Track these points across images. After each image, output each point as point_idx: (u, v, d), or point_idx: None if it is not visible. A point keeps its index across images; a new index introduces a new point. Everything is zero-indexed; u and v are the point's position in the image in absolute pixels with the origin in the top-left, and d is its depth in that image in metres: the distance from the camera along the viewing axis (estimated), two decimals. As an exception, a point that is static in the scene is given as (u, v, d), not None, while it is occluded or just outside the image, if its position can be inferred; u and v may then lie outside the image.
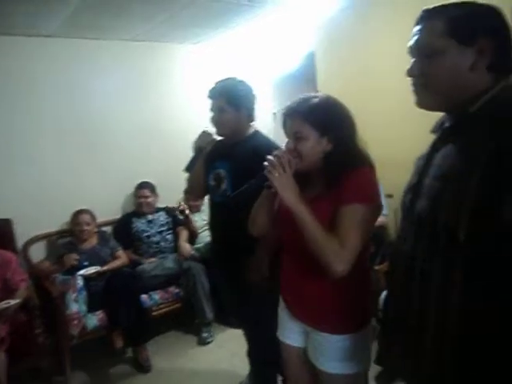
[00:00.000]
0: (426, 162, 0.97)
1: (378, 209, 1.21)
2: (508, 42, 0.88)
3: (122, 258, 3.10)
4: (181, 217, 3.43)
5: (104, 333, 2.76)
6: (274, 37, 3.70)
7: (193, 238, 3.45)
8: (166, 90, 3.72)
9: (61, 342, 2.64)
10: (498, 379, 0.79)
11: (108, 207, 3.39)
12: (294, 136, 1.24)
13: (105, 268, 2.91)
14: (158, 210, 3.45)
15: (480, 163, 0.79)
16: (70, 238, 3.10)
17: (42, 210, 3.10)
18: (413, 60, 0.95)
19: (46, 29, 2.92)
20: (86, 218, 3.06)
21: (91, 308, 2.73)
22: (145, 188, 3.38)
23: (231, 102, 1.88)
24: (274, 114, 4.34)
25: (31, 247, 3.07)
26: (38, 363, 2.49)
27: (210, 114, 1.95)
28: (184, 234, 3.40)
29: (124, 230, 3.30)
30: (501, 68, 0.87)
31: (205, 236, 3.42)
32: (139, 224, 3.31)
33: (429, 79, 0.91)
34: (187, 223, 3.44)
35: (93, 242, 3.07)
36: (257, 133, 2.01)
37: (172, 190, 3.60)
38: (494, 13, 0.89)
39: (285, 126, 1.29)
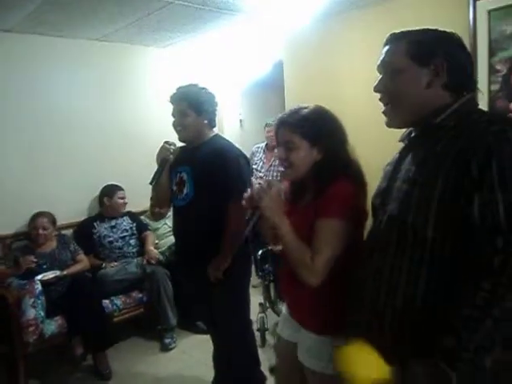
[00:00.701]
0: (394, 168, 1.05)
1: (354, 223, 1.22)
2: (464, 64, 0.98)
3: (83, 261, 3.01)
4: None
5: (62, 340, 2.66)
6: (243, 44, 3.75)
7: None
8: (132, 92, 3.67)
9: (15, 350, 2.52)
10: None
11: (70, 210, 3.29)
12: (286, 146, 1.28)
13: (64, 272, 2.81)
14: (123, 214, 3.39)
15: (444, 167, 0.87)
16: (26, 242, 2.97)
17: (-2, 212, 2.96)
18: (379, 77, 1.05)
19: (6, 23, 2.81)
20: (43, 221, 2.94)
21: (50, 314, 2.63)
22: (121, 190, 3.34)
23: (193, 106, 1.92)
24: (241, 120, 4.39)
25: (-16, 251, 2.92)
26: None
27: (172, 119, 1.98)
28: (151, 239, 3.36)
29: (85, 235, 3.20)
30: (457, 87, 0.97)
31: (168, 242, 3.40)
32: (102, 229, 3.23)
33: (391, 95, 1.02)
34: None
35: (52, 245, 2.96)
36: (217, 136, 2.05)
37: (136, 193, 3.56)
38: (451, 38, 1.00)
39: (276, 135, 1.34)
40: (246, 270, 2.12)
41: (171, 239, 3.41)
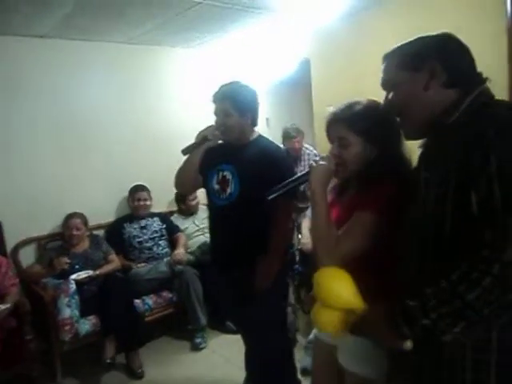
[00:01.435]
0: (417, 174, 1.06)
1: (391, 222, 1.15)
2: (461, 60, 0.98)
3: (115, 262, 3.05)
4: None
5: (96, 338, 2.71)
6: (269, 43, 3.72)
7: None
8: (160, 94, 3.71)
9: (52, 349, 2.59)
10: None
11: (101, 211, 3.35)
12: (339, 142, 1.25)
13: (97, 272, 2.86)
14: (153, 215, 3.42)
15: (455, 168, 0.87)
16: (60, 242, 3.04)
17: (33, 213, 3.04)
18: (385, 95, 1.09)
19: (41, 29, 2.88)
20: (76, 222, 3.01)
21: (83, 313, 2.68)
22: (142, 190, 3.35)
23: (236, 106, 1.86)
24: (267, 119, 4.36)
25: (21, 251, 3.00)
26: (29, 370, 2.42)
27: (214, 118, 1.92)
28: (182, 241, 3.37)
29: (116, 235, 3.25)
30: (460, 83, 0.96)
31: (197, 241, 3.42)
32: (131, 229, 3.27)
33: (398, 109, 1.05)
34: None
35: (84, 245, 3.03)
36: (261, 137, 2.00)
37: (165, 195, 3.60)
38: (442, 38, 1.00)
39: (328, 132, 1.30)
40: (286, 276, 2.07)
41: (200, 239, 3.44)
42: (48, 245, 3.08)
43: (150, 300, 3.00)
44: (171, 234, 3.41)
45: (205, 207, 3.76)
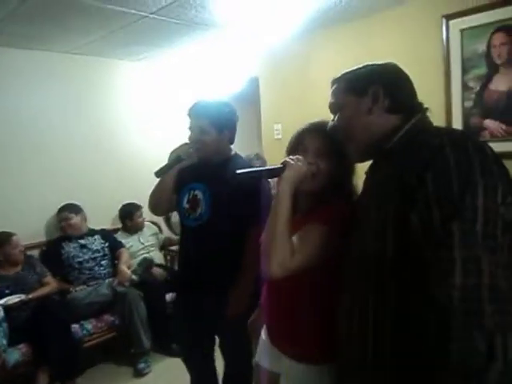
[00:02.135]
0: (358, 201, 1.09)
1: (342, 237, 1.15)
2: (402, 87, 1.03)
3: (51, 284, 2.84)
4: None
5: (27, 369, 2.49)
6: (218, 59, 3.72)
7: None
8: (107, 106, 3.58)
9: (-25, 383, 2.35)
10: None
11: (34, 229, 3.13)
12: (317, 152, 1.21)
13: (30, 296, 2.64)
14: (94, 232, 3.24)
15: (394, 193, 0.88)
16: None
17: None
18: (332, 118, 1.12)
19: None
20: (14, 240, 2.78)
21: (13, 341, 2.46)
22: (65, 210, 3.16)
23: (214, 123, 1.76)
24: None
25: None
26: None
27: (188, 133, 1.83)
28: (125, 257, 3.21)
29: (53, 255, 3.04)
30: (402, 109, 1.00)
31: (140, 260, 3.29)
32: (70, 249, 3.07)
33: (342, 131, 1.07)
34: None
35: (16, 267, 2.80)
36: (237, 155, 1.91)
37: (106, 210, 3.44)
38: (386, 67, 1.06)
39: (301, 141, 1.26)
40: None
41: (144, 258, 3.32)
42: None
43: (90, 324, 2.81)
44: (114, 250, 3.24)
45: (150, 224, 3.66)
